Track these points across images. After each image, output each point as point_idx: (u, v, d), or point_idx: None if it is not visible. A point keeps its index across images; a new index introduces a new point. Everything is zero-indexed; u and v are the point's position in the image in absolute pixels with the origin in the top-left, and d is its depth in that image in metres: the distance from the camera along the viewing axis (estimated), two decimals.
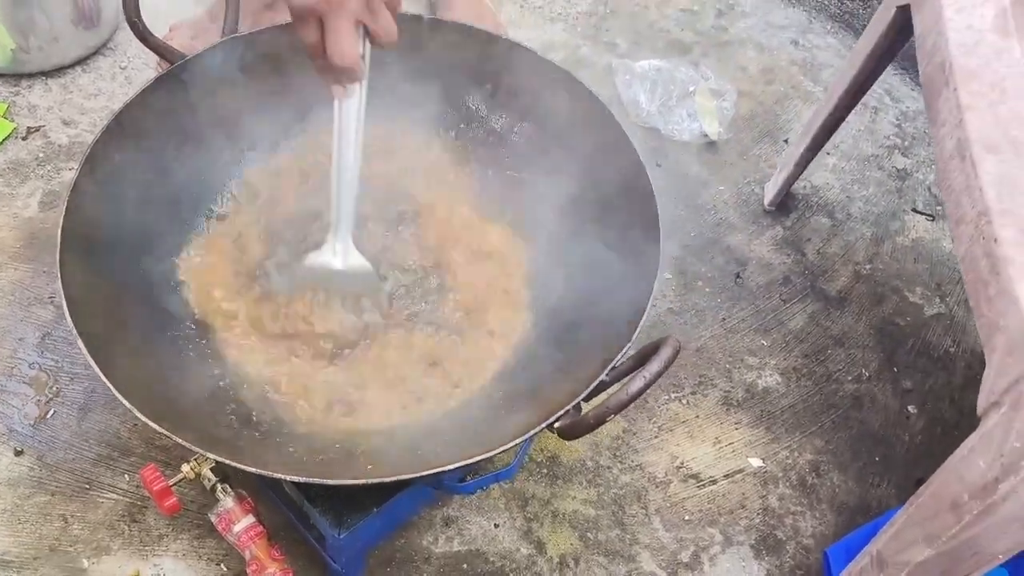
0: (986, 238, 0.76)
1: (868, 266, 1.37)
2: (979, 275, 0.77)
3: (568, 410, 0.75)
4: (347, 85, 0.80)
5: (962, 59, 0.88)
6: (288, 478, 0.72)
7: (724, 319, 1.28)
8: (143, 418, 0.73)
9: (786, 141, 1.49)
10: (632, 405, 0.71)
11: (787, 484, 1.15)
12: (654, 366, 0.68)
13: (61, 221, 0.83)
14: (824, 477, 1.16)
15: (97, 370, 0.76)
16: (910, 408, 1.23)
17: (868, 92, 1.23)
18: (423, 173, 1.08)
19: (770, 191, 1.41)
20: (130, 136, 0.92)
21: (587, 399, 0.77)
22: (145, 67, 1.43)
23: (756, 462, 1.16)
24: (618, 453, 1.14)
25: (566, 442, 1.13)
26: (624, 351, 0.78)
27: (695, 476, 1.14)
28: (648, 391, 0.74)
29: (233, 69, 0.99)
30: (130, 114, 0.92)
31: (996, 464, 0.72)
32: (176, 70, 0.96)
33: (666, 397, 1.20)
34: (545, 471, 1.12)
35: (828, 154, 1.49)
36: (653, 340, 0.75)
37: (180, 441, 0.73)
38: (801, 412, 1.21)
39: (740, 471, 1.15)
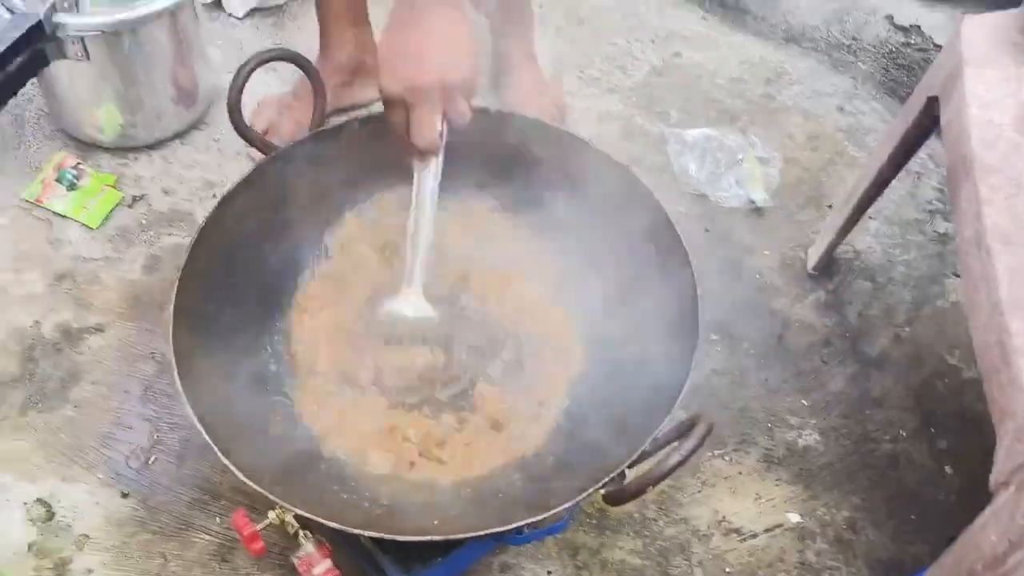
0: (999, 328, 0.84)
1: (908, 329, 1.43)
2: (992, 362, 0.85)
3: (612, 478, 0.84)
4: (425, 160, 0.93)
5: (982, 153, 0.95)
6: (365, 534, 0.83)
7: (766, 380, 1.36)
8: (241, 476, 0.85)
9: (830, 206, 1.57)
10: None
11: (824, 540, 1.21)
12: (689, 443, 0.78)
13: (173, 298, 0.96)
14: (860, 534, 1.22)
15: (201, 429, 0.88)
16: (946, 468, 1.29)
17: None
18: (483, 247, 1.19)
19: (813, 256, 1.48)
20: (231, 216, 1.06)
21: (630, 467, 0.86)
22: (235, 141, 1.57)
23: (795, 518, 1.23)
24: (664, 506, 1.22)
25: None
26: (663, 425, 0.88)
27: (736, 530, 1.21)
28: None
29: (318, 158, 1.12)
30: (232, 198, 1.06)
31: (1004, 539, 0.79)
32: (269, 159, 1.09)
33: (709, 454, 1.28)
34: (594, 522, 1.20)
35: (871, 219, 1.56)
36: (691, 415, 0.84)
37: (271, 497, 0.85)
38: (839, 470, 1.28)
39: (779, 526, 1.22)
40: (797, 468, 1.28)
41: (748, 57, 1.82)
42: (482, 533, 0.82)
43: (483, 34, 1.65)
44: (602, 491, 0.84)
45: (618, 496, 0.81)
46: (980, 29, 1.05)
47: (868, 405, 1.35)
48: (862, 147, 1.67)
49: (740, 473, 1.27)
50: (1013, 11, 1.05)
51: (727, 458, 1.28)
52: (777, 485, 1.26)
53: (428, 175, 0.96)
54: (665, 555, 1.19)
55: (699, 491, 1.24)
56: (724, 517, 1.22)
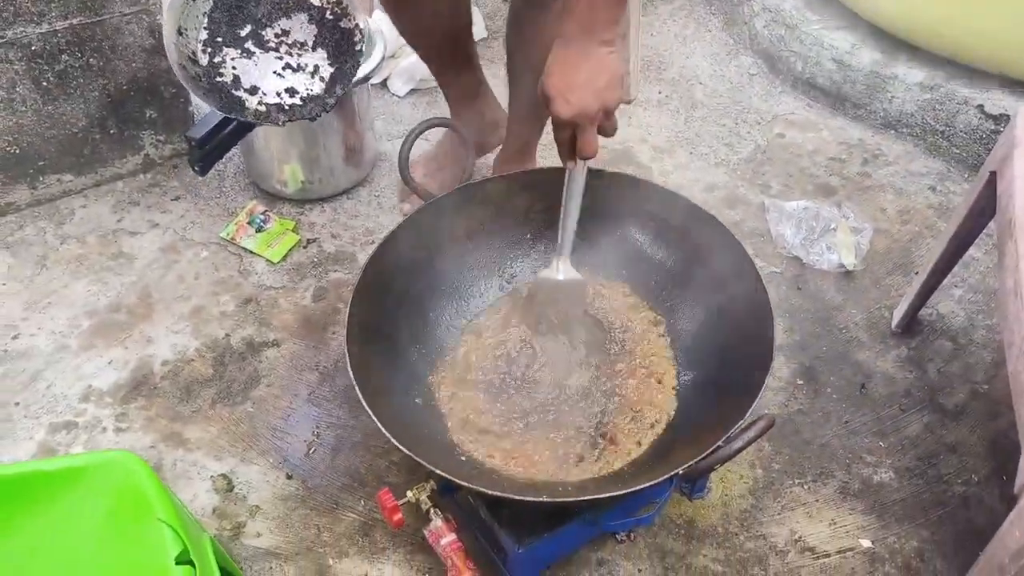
0: None
1: (986, 386, 1.55)
2: (1021, 387, 1.00)
3: (692, 465, 1.03)
4: (582, 163, 1.21)
5: None
6: (499, 494, 1.05)
7: (847, 422, 1.51)
8: (397, 444, 1.08)
9: (916, 273, 1.71)
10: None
11: (893, 565, 1.34)
12: (751, 433, 0.96)
13: (346, 309, 1.22)
14: (928, 563, 1.34)
15: (368, 409, 1.12)
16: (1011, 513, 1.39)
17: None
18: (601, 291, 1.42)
19: (897, 315, 1.63)
20: (392, 251, 1.32)
21: (707, 458, 1.05)
22: (392, 196, 1.87)
23: (866, 543, 1.36)
24: (745, 523, 1.38)
25: (701, 509, 1.39)
26: (738, 426, 1.06)
27: (811, 549, 1.36)
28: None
29: (465, 207, 1.38)
30: (394, 237, 1.32)
31: None
32: (428, 205, 1.36)
33: (790, 482, 1.43)
34: (682, 532, 1.37)
35: (956, 287, 1.69)
36: (759, 416, 1.03)
37: (417, 458, 1.07)
38: (911, 505, 1.40)
39: (851, 549, 1.36)
40: (871, 500, 1.41)
41: (847, 139, 2.00)
42: (578, 499, 1.02)
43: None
44: (682, 472, 1.02)
45: (693, 472, 1.00)
46: None
47: (943, 451, 1.47)
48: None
49: (817, 501, 1.41)
50: None
51: (806, 487, 1.43)
52: (851, 514, 1.40)
53: (580, 173, 1.23)
54: (744, 565, 1.34)
55: (779, 513, 1.40)
56: (800, 537, 1.37)
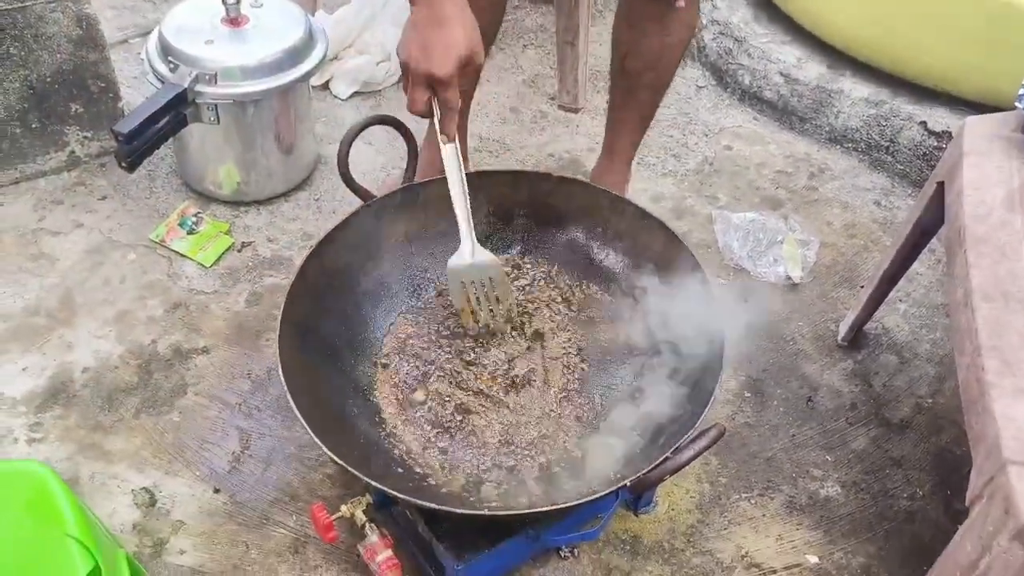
0: (977, 368, 0.98)
1: (930, 400, 1.55)
2: (971, 397, 0.98)
3: (639, 476, 0.99)
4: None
5: (974, 226, 1.10)
6: (437, 507, 0.99)
7: (794, 435, 1.49)
8: (330, 454, 1.02)
9: (861, 287, 1.71)
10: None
11: None
12: (702, 442, 0.92)
13: (281, 310, 1.16)
14: None
15: (300, 416, 1.05)
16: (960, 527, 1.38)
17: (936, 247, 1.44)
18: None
19: (843, 329, 1.62)
20: (331, 252, 1.26)
21: (656, 468, 1.01)
22: (332, 200, 1.80)
23: (813, 559, 1.34)
24: (692, 539, 1.35)
25: (647, 524, 1.35)
26: (687, 437, 1.02)
27: (757, 565, 1.33)
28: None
29: (407, 208, 1.33)
30: (334, 235, 1.26)
31: (978, 545, 0.91)
32: (368, 205, 1.30)
33: (737, 496, 1.40)
34: (628, 548, 1.33)
35: (900, 301, 1.69)
36: (709, 425, 0.99)
37: (355, 472, 1.01)
38: (858, 520, 1.38)
39: (798, 565, 1.33)
40: (818, 515, 1.39)
41: (793, 152, 2.00)
42: (522, 511, 0.97)
43: None
44: (629, 483, 0.98)
45: (640, 484, 0.96)
46: (979, 126, 1.22)
47: (888, 465, 1.46)
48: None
49: (764, 516, 1.38)
50: (1007, 113, 1.21)
51: (753, 501, 1.40)
52: (798, 529, 1.37)
53: (451, 150, 1.15)
54: None
55: (725, 528, 1.36)
56: (747, 553, 1.34)
